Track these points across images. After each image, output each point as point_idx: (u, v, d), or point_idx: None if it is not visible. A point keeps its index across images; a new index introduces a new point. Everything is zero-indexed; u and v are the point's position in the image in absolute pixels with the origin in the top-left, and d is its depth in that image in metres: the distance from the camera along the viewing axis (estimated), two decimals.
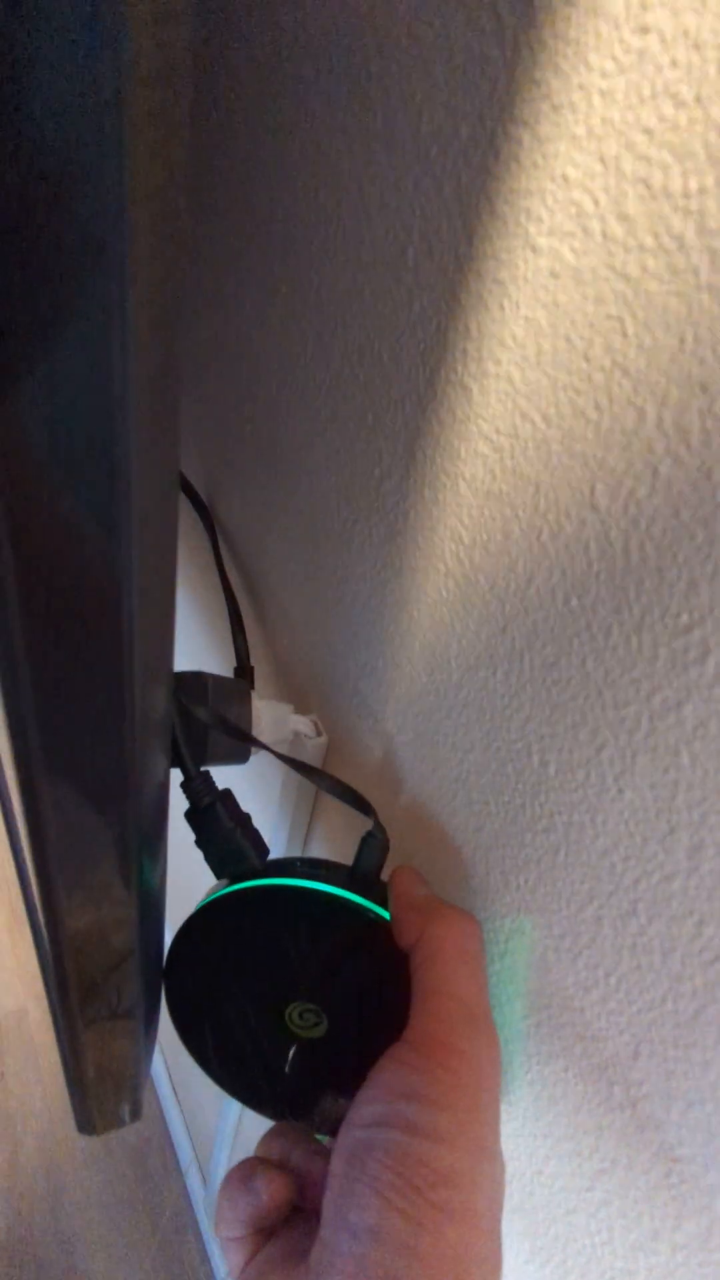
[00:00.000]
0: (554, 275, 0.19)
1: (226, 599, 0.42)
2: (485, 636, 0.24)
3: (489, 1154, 0.22)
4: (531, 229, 0.19)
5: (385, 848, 0.28)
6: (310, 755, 0.36)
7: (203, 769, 0.29)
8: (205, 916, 0.28)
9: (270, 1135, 0.29)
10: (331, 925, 0.27)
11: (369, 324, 0.26)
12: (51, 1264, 1.03)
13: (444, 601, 0.25)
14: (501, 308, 0.20)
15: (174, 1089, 1.21)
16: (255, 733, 0.36)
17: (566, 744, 0.22)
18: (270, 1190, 0.26)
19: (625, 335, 0.18)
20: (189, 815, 0.28)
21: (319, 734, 0.36)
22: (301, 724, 0.36)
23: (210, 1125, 0.99)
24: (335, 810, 0.39)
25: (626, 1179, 0.24)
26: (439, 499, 0.25)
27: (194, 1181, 1.10)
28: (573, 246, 0.18)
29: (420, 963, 0.25)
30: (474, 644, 0.25)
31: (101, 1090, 0.25)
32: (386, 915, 0.26)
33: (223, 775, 0.35)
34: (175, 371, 0.15)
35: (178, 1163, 1.13)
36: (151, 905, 0.25)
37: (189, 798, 0.28)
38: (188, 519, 0.47)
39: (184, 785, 0.28)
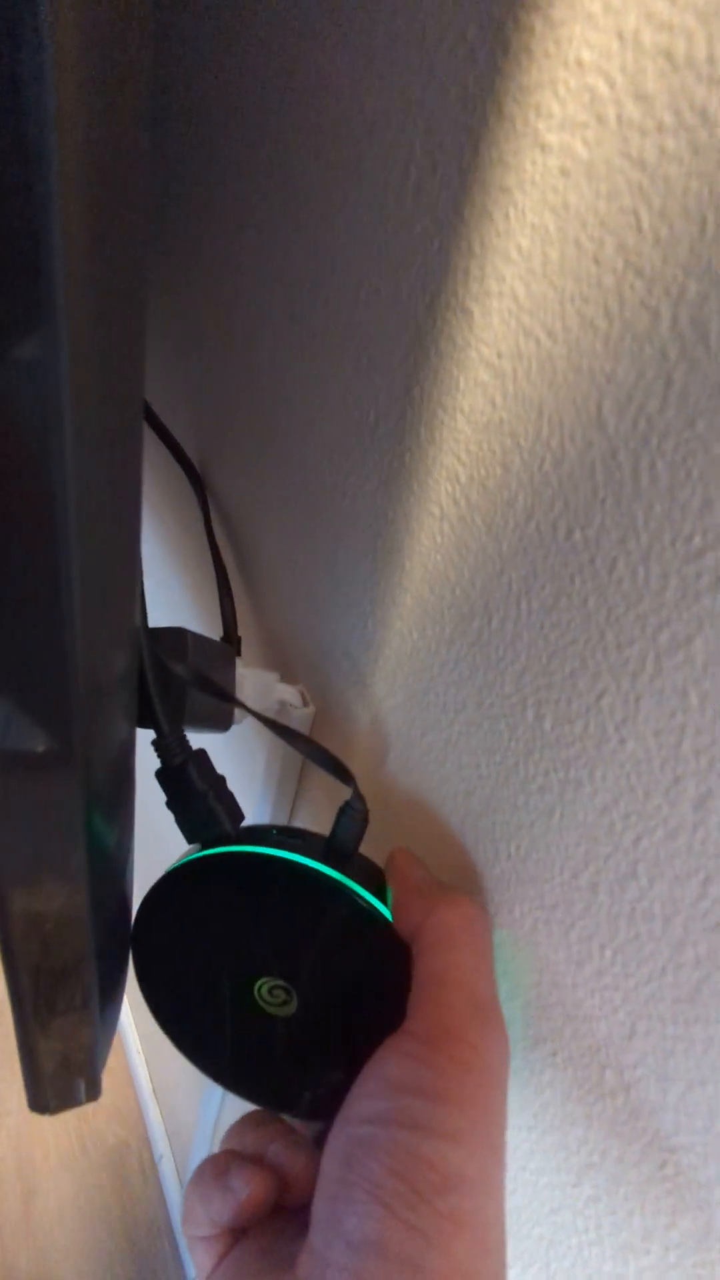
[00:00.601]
0: (564, 174, 0.17)
1: (215, 567, 0.40)
2: (480, 583, 0.22)
3: (499, 1156, 0.20)
4: (541, 126, 0.18)
5: (364, 819, 0.26)
6: (296, 726, 0.35)
7: (179, 730, 0.27)
8: (171, 882, 0.26)
9: (244, 1125, 0.27)
10: (302, 899, 0.25)
11: (367, 257, 0.25)
12: (21, 1267, 1.00)
13: (438, 548, 0.24)
14: (507, 217, 0.19)
15: (153, 1089, 1.19)
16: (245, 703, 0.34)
17: (564, 694, 0.20)
18: (249, 1188, 0.23)
19: (640, 230, 0.16)
20: (159, 775, 0.26)
21: (305, 704, 0.35)
22: (288, 693, 0.35)
23: (189, 1126, 0.97)
24: (322, 784, 0.37)
25: (617, 1173, 0.22)
26: (435, 437, 0.23)
27: (170, 1185, 1.07)
28: (585, 139, 0.17)
29: (425, 949, 0.23)
30: (468, 592, 0.23)
31: (53, 1067, 0.24)
32: (360, 891, 0.24)
33: (205, 746, 0.33)
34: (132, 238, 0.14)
35: (155, 1164, 1.10)
36: (108, 872, 0.23)
37: (160, 756, 0.26)
38: (179, 487, 0.46)
39: (155, 743, 0.26)
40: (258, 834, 0.26)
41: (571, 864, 0.21)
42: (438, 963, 0.22)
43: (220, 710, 0.31)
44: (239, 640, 0.38)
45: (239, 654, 0.37)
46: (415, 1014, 0.22)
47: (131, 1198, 1.08)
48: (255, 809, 0.40)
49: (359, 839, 0.26)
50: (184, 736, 0.26)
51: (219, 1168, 0.24)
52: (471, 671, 0.24)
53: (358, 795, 0.26)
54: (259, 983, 0.27)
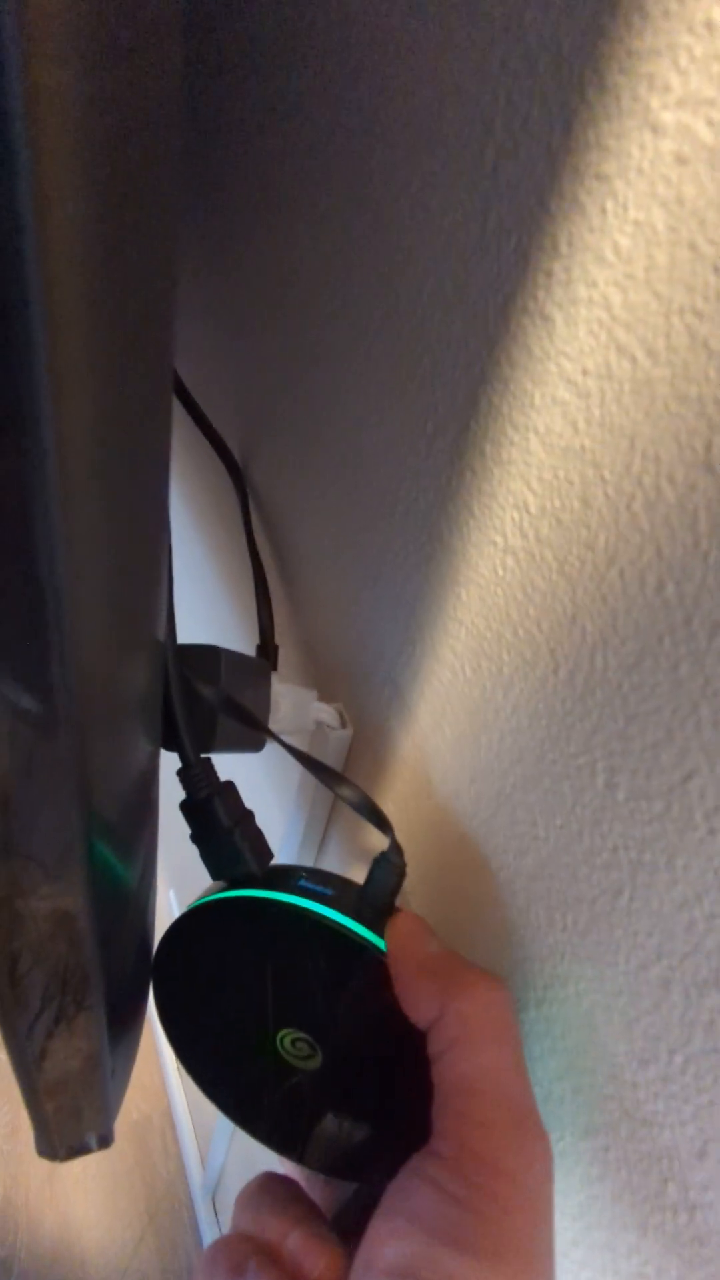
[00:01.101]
0: (680, 161, 0.14)
1: (254, 570, 0.38)
2: (548, 627, 0.20)
3: None
4: (654, 102, 0.15)
5: (401, 873, 0.24)
6: (333, 748, 0.32)
7: (205, 755, 0.25)
8: (192, 920, 0.25)
9: (260, 1201, 0.24)
10: (329, 955, 0.23)
11: (432, 248, 0.22)
12: (44, 1235, 1.02)
13: (500, 582, 0.21)
14: (604, 211, 0.16)
15: (177, 1065, 1.20)
16: (273, 720, 0.32)
17: (644, 766, 0.18)
18: None
19: None
20: (184, 806, 0.24)
21: (344, 725, 0.33)
22: (325, 713, 0.33)
23: (210, 1105, 0.97)
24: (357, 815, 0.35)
25: None
26: (503, 457, 0.20)
27: (191, 1160, 1.09)
28: (711, 119, 0.14)
29: (446, 1048, 0.20)
30: (533, 635, 0.20)
31: (60, 1114, 0.22)
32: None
33: (235, 761, 0.31)
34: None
35: (177, 1139, 1.11)
36: (121, 907, 0.22)
37: (185, 787, 0.24)
38: (220, 482, 0.44)
39: (180, 773, 0.24)
40: (285, 877, 0.24)
41: (640, 955, 0.19)
42: (464, 1067, 0.20)
43: (252, 734, 0.29)
44: (276, 649, 0.36)
45: (275, 665, 0.35)
46: (442, 1131, 0.19)
47: (153, 1171, 1.10)
48: (288, 826, 0.39)
49: (394, 893, 0.24)
50: (211, 767, 0.24)
51: (234, 1260, 0.22)
52: (532, 721, 0.21)
53: (395, 847, 0.23)
54: (282, 1033, 0.25)
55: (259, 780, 0.48)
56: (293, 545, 0.37)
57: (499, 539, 0.21)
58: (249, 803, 0.26)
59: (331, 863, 0.38)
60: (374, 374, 0.26)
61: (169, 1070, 1.19)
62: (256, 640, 0.37)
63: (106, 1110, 0.24)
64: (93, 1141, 0.25)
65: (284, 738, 0.33)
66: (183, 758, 0.24)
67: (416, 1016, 0.21)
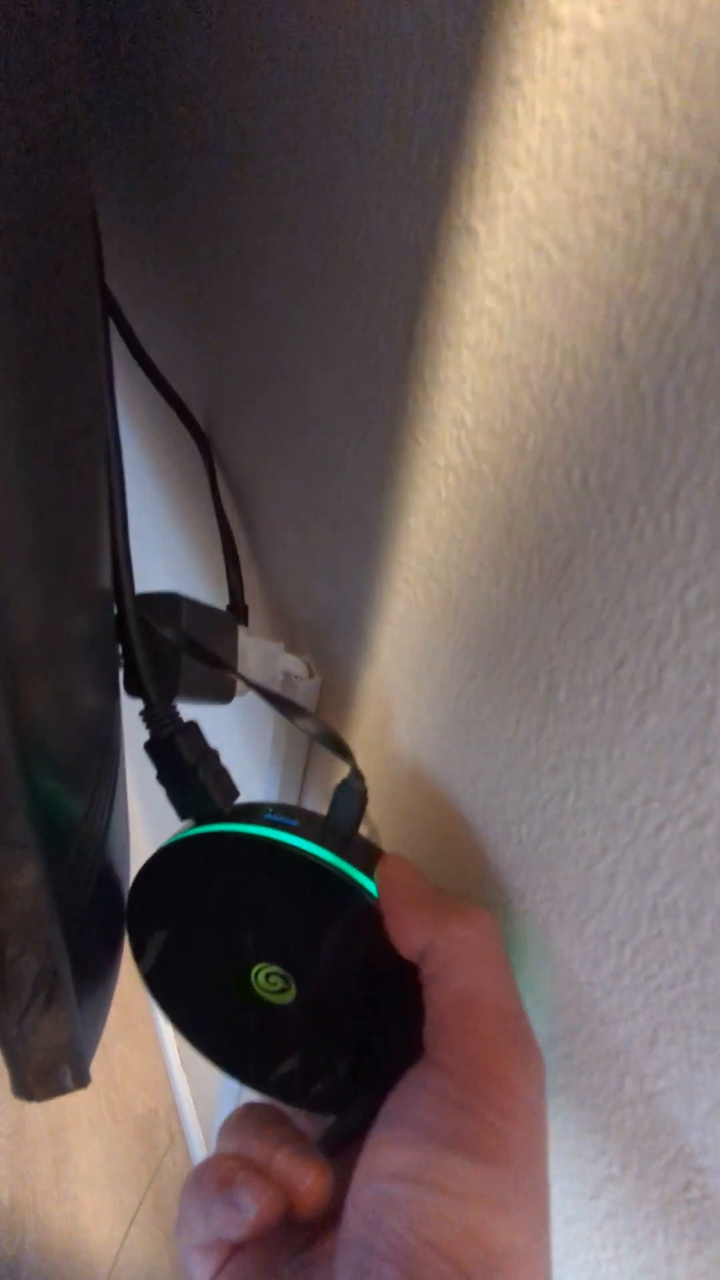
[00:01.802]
0: (578, 52, 0.15)
1: (221, 533, 0.38)
2: (489, 540, 0.20)
3: (548, 1219, 0.18)
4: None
5: (363, 798, 0.24)
6: (302, 698, 0.33)
7: (173, 703, 0.25)
8: (160, 860, 0.25)
9: (244, 1123, 0.25)
10: (295, 884, 0.23)
11: (367, 186, 0.22)
12: (52, 1232, 1.02)
13: (444, 503, 0.22)
14: (515, 115, 0.16)
15: (180, 1059, 1.20)
16: (241, 672, 0.32)
17: (579, 663, 0.18)
18: (256, 1206, 0.21)
19: (666, 111, 0.13)
20: (148, 747, 0.25)
21: (311, 675, 0.33)
22: (293, 664, 0.33)
23: (214, 1095, 0.97)
24: (332, 760, 0.35)
25: (638, 1189, 0.20)
26: (440, 378, 0.21)
27: (197, 1152, 1.09)
28: (602, 5, 0.14)
29: (441, 969, 0.20)
30: (475, 550, 0.21)
31: (32, 1054, 0.22)
32: (357, 874, 0.23)
33: (210, 726, 0.32)
34: None
35: (183, 1132, 1.11)
36: (73, 846, 0.22)
37: (148, 727, 0.24)
38: (187, 451, 0.44)
39: (143, 714, 0.24)
40: (251, 812, 0.24)
41: (588, 852, 0.19)
42: (460, 984, 0.20)
43: (219, 680, 0.30)
44: (246, 609, 0.37)
45: (245, 624, 0.36)
46: (441, 1043, 0.19)
47: (159, 1164, 1.10)
48: (264, 786, 0.39)
49: (358, 819, 0.24)
50: (173, 708, 0.25)
51: (222, 1177, 0.22)
52: (479, 639, 0.21)
53: (356, 773, 0.24)
54: (255, 968, 0.25)
55: (234, 739, 0.48)
56: (259, 505, 0.37)
57: (441, 459, 0.21)
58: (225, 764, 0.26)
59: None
60: (318, 322, 0.27)
61: (173, 1065, 1.19)
62: (227, 603, 0.37)
63: (78, 1049, 0.24)
64: (68, 1080, 0.25)
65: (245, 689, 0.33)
66: (144, 698, 0.24)
67: (409, 944, 0.21)
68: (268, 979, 0.25)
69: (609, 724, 0.17)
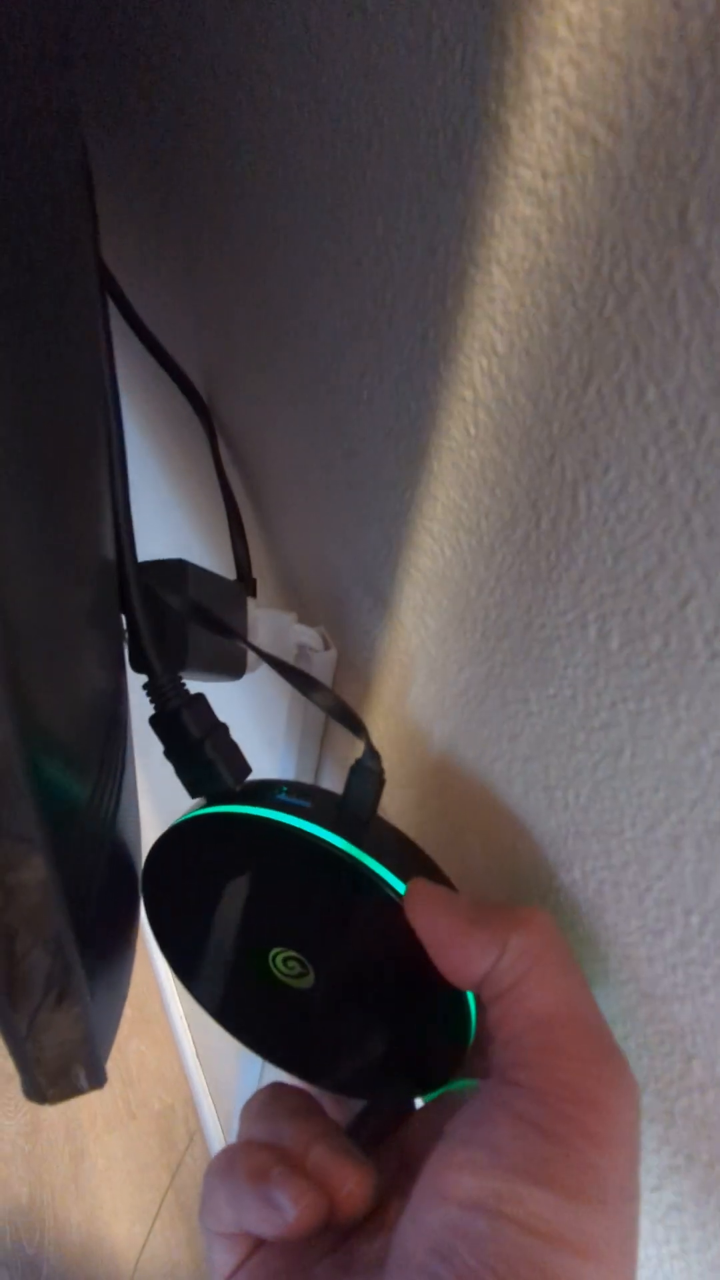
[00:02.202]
0: None
1: (226, 504, 0.37)
2: (527, 476, 0.18)
3: (634, 1263, 0.16)
4: None
5: (379, 779, 0.22)
6: (317, 671, 0.31)
7: (179, 676, 0.24)
8: (171, 840, 0.23)
9: (275, 1108, 0.23)
10: (309, 871, 0.22)
11: (378, 94, 0.20)
12: (73, 1227, 1.01)
13: (473, 442, 0.20)
14: None
15: (197, 1054, 1.19)
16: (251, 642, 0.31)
17: (637, 603, 0.16)
18: (296, 1210, 0.19)
19: None
20: (153, 721, 0.23)
21: (327, 646, 0.31)
22: (306, 635, 0.31)
23: (231, 1090, 0.96)
24: (350, 740, 0.33)
25: (707, 1181, 0.18)
26: (465, 301, 0.19)
27: (216, 1147, 1.08)
28: None
29: (512, 984, 0.18)
30: (511, 490, 0.19)
31: (44, 1055, 0.21)
32: (374, 865, 0.21)
33: (219, 698, 0.30)
34: None
35: (201, 1127, 1.10)
36: (86, 838, 0.20)
37: (152, 700, 0.23)
38: (187, 420, 0.42)
39: (146, 686, 0.23)
40: (263, 791, 0.23)
41: (647, 814, 0.17)
42: (540, 998, 0.18)
43: (229, 652, 0.28)
44: (254, 582, 0.35)
45: (254, 596, 0.34)
46: (520, 1063, 0.17)
47: (178, 1160, 1.09)
48: (279, 764, 0.37)
49: (374, 801, 0.22)
50: (179, 680, 0.23)
51: (257, 1169, 0.20)
52: (517, 588, 0.20)
53: (371, 750, 0.22)
54: (273, 952, 0.24)
55: (247, 716, 0.46)
56: (263, 470, 0.36)
57: (468, 393, 0.20)
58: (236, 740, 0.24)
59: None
60: (326, 263, 0.25)
61: (189, 1060, 1.18)
62: (234, 576, 0.35)
63: (92, 1047, 0.23)
64: (82, 1080, 0.23)
65: (258, 663, 0.31)
66: (148, 671, 0.23)
67: (467, 977, 0.19)
68: (285, 963, 0.24)
69: (673, 668, 0.16)
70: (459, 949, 0.19)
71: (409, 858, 0.23)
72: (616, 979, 0.20)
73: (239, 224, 0.31)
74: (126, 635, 0.24)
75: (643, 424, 0.15)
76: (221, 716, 0.25)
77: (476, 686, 0.22)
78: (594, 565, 0.17)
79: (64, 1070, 0.22)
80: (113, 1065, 1.17)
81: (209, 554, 0.47)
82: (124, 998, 0.26)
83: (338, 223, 0.24)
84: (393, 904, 0.21)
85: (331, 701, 0.23)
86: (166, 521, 0.55)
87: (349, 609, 0.29)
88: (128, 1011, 1.17)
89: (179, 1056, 1.20)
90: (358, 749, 0.31)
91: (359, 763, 0.22)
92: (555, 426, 0.17)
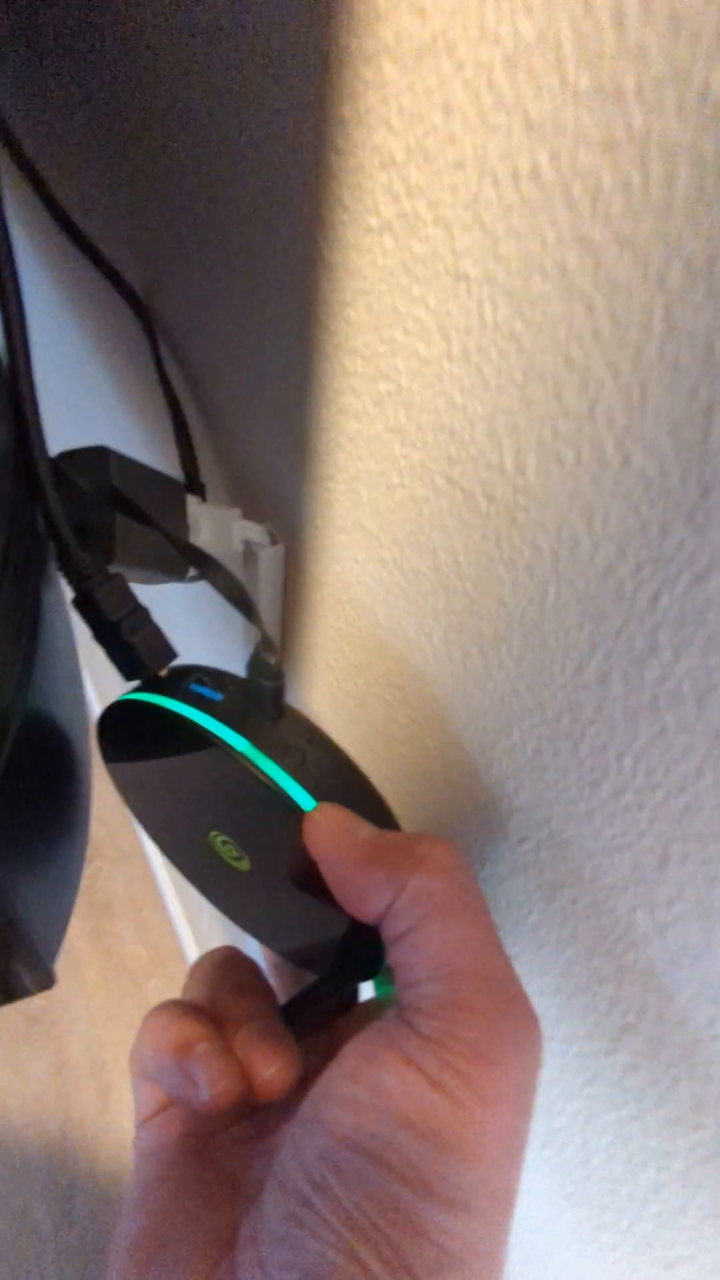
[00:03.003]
0: None
1: (168, 405, 0.35)
2: (435, 300, 0.17)
3: (510, 1219, 0.16)
4: None
5: (276, 674, 0.21)
6: (266, 567, 0.30)
7: (83, 554, 0.22)
8: (106, 720, 0.24)
9: (220, 976, 0.23)
10: (220, 767, 0.21)
11: None
12: (103, 1159, 1.05)
13: (382, 274, 0.18)
14: None
15: None
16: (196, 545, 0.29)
17: (549, 420, 0.15)
18: (212, 1094, 0.19)
19: None
20: (74, 604, 0.22)
21: (274, 542, 0.30)
22: (252, 531, 0.30)
23: None
24: (316, 641, 0.32)
25: (657, 1034, 0.18)
26: (361, 110, 0.17)
27: None
28: None
29: (411, 927, 0.17)
30: (421, 320, 0.17)
31: None
32: (272, 769, 0.20)
33: (183, 606, 0.29)
34: None
35: None
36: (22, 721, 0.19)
37: (68, 583, 0.22)
38: (127, 323, 0.40)
39: (59, 567, 0.21)
40: (176, 680, 0.22)
41: (575, 653, 0.16)
42: (438, 944, 0.17)
43: (165, 550, 0.27)
44: (203, 486, 0.33)
45: (203, 499, 0.32)
46: (420, 1008, 0.17)
47: None
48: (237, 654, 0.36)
49: (276, 694, 0.22)
50: (91, 560, 0.22)
51: (183, 1041, 0.20)
52: (437, 438, 0.18)
53: (266, 642, 0.21)
54: (210, 833, 0.24)
55: (204, 631, 0.46)
56: (204, 369, 0.34)
57: (373, 219, 0.18)
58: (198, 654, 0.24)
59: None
60: (236, 134, 0.23)
61: None
62: (182, 481, 0.34)
63: (35, 955, 0.22)
64: (28, 984, 0.23)
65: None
66: (60, 553, 0.21)
67: (364, 912, 0.19)
68: (224, 845, 0.24)
69: (587, 482, 0.14)
70: (354, 886, 0.19)
71: (321, 758, 0.22)
72: (563, 837, 0.19)
73: (156, 119, 0.28)
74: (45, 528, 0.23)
75: (540, 213, 0.13)
76: (183, 617, 0.24)
77: (410, 557, 0.21)
78: (506, 386, 0.16)
79: (5, 978, 0.21)
80: (134, 1005, 1.21)
81: (159, 461, 0.45)
82: (73, 886, 0.26)
83: (243, 100, 0.21)
84: (296, 813, 0.20)
85: (226, 582, 0.22)
86: (114, 426, 0.53)
87: (288, 495, 0.28)
88: (144, 953, 1.19)
89: None
90: (308, 644, 0.30)
91: (256, 651, 0.21)
92: (458, 237, 0.15)
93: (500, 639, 0.18)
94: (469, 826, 0.23)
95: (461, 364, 0.17)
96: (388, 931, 0.18)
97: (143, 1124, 0.22)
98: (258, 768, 0.20)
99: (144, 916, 1.28)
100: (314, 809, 0.20)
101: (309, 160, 0.19)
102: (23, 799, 0.20)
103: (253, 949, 0.27)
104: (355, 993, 0.25)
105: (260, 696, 0.21)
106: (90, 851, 0.28)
